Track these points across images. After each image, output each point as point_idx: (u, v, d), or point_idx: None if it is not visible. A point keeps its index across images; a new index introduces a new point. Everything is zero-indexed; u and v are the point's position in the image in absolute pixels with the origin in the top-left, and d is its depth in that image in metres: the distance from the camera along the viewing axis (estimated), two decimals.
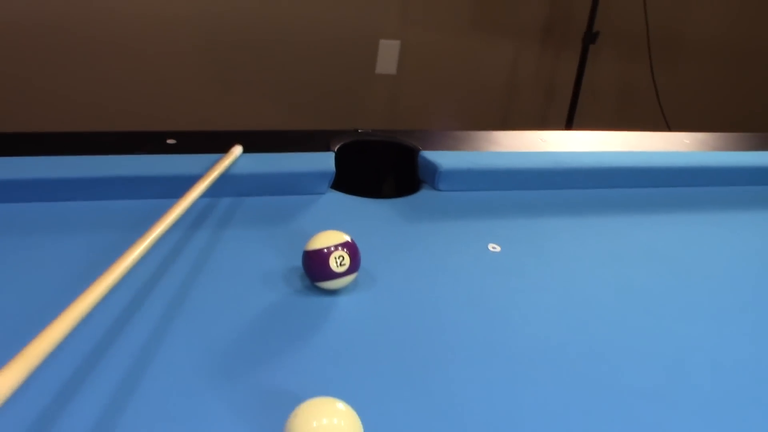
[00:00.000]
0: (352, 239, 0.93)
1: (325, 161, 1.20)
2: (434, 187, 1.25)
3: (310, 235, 0.94)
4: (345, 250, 0.91)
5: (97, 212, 1.06)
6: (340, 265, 0.91)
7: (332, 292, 0.93)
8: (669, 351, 0.90)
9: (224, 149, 1.15)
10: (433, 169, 1.25)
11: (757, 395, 0.84)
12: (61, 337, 0.60)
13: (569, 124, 3.38)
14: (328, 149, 1.25)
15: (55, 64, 3.02)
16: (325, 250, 0.91)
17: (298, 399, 0.68)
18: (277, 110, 3.36)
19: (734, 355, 0.91)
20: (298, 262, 0.98)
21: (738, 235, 1.23)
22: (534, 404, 0.78)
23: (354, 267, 0.92)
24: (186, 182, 1.04)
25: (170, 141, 1.19)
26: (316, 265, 0.91)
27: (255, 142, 1.22)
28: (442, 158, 1.26)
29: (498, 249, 1.09)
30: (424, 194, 1.25)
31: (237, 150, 1.15)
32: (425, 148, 1.29)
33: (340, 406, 0.67)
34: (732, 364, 0.89)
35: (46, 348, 0.58)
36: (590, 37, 3.24)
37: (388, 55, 3.51)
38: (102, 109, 3.13)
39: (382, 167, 1.33)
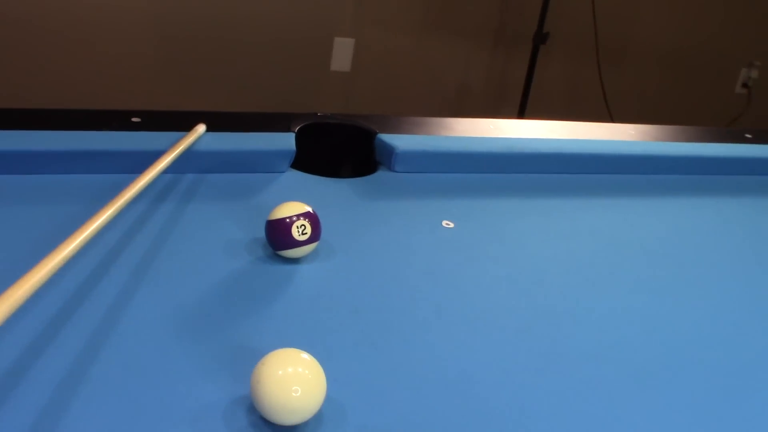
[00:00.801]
0: (313, 210, 0.97)
1: (285, 141, 1.24)
2: (391, 168, 1.30)
3: (271, 209, 0.98)
4: (307, 219, 0.95)
5: (61, 186, 1.08)
6: (302, 234, 0.95)
7: (294, 261, 0.97)
8: (609, 318, 0.96)
9: (187, 128, 1.18)
10: (389, 150, 1.29)
11: (686, 355, 0.90)
12: (25, 295, 0.61)
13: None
14: (288, 130, 1.28)
15: (23, 44, 3.00)
16: (288, 220, 0.95)
17: (262, 354, 0.71)
18: (232, 106, 3.38)
19: (668, 320, 0.97)
20: (260, 233, 1.02)
21: (675, 217, 1.30)
22: (484, 364, 0.83)
23: (315, 236, 0.96)
24: (150, 158, 1.06)
25: (135, 119, 1.22)
26: (278, 234, 0.95)
27: (218, 123, 1.25)
28: (398, 141, 1.31)
29: (451, 225, 1.14)
30: (380, 175, 1.29)
31: (200, 128, 1.19)
32: (382, 132, 1.34)
33: (305, 356, 0.71)
34: (666, 328, 0.95)
35: (11, 305, 0.59)
36: (540, 37, 3.32)
37: (342, 53, 3.55)
38: (63, 93, 3.11)
39: (340, 149, 1.37)
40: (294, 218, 0.95)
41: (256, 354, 0.75)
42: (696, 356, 0.90)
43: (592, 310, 0.97)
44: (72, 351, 0.75)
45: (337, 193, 1.20)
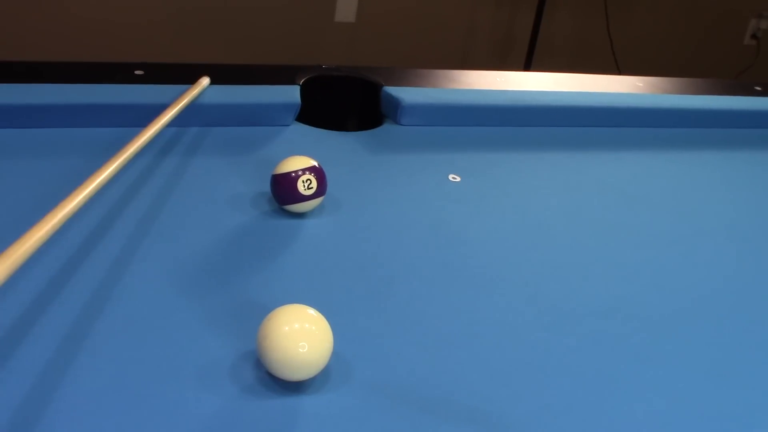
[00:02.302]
0: (319, 164, 0.97)
1: (290, 94, 1.23)
2: (397, 121, 1.29)
3: (276, 163, 0.97)
4: (312, 174, 0.95)
5: (65, 139, 1.07)
6: (308, 188, 0.94)
7: (300, 215, 0.97)
8: (617, 272, 0.96)
9: (191, 81, 1.17)
10: (395, 103, 1.28)
11: (695, 310, 0.89)
12: (29, 251, 0.61)
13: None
14: (293, 83, 1.27)
15: None
16: (293, 174, 0.94)
17: (268, 310, 0.71)
18: (234, 58, 3.35)
19: (676, 274, 0.97)
20: (266, 188, 1.01)
21: (683, 170, 1.29)
22: (491, 319, 0.83)
23: (321, 191, 0.96)
24: (154, 111, 1.05)
25: (138, 72, 1.20)
26: (284, 188, 0.95)
27: (222, 75, 1.23)
28: (404, 93, 1.29)
29: (458, 179, 1.13)
30: (387, 128, 1.28)
31: (204, 81, 1.17)
32: (388, 84, 1.32)
33: (311, 311, 0.70)
34: (674, 281, 0.95)
35: (16, 260, 0.59)
36: None
37: (346, 3, 3.50)
38: (66, 43, 3.08)
39: (345, 102, 1.36)
40: (299, 172, 0.94)
41: (263, 309, 0.75)
42: (705, 310, 0.90)
43: (599, 264, 0.97)
44: (76, 306, 0.75)
45: (342, 146, 1.19)
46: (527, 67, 3.41)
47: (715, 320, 0.88)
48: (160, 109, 1.03)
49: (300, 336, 0.68)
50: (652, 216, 1.11)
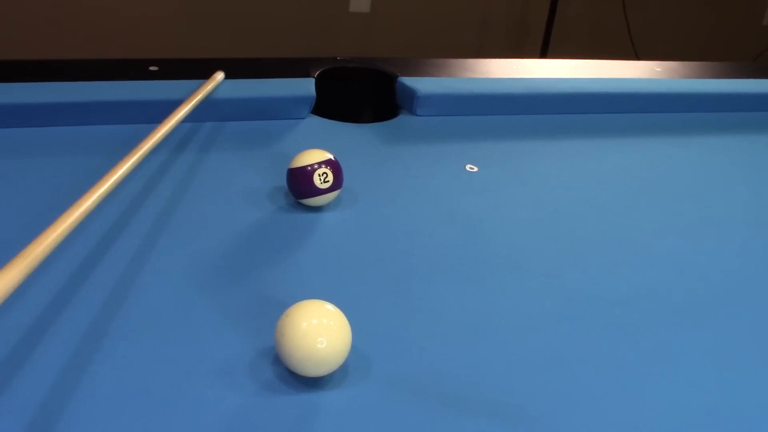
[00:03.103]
0: (335, 157, 0.96)
1: (305, 86, 1.22)
2: (412, 112, 1.28)
3: (292, 156, 0.97)
4: (328, 167, 0.94)
5: (82, 137, 1.07)
6: (324, 181, 0.94)
7: (316, 209, 0.96)
8: (638, 261, 0.94)
9: (206, 76, 1.17)
10: (411, 94, 1.27)
11: (722, 299, 0.88)
12: (48, 249, 0.61)
13: (542, 57, 3.40)
14: (308, 76, 1.26)
15: None
16: (309, 168, 0.94)
17: (286, 305, 0.71)
18: (249, 50, 3.34)
19: (698, 262, 0.95)
20: (282, 182, 1.01)
21: (703, 156, 1.27)
22: (510, 311, 0.82)
23: (337, 184, 0.95)
24: (169, 107, 1.05)
25: (153, 68, 1.20)
26: (300, 182, 0.94)
27: (236, 69, 1.23)
28: (419, 84, 1.28)
29: (475, 169, 1.12)
30: (402, 119, 1.27)
31: (219, 75, 1.17)
32: (403, 75, 1.31)
33: (329, 307, 0.70)
34: (696, 270, 0.94)
35: (35, 258, 0.59)
36: None
37: None
38: (81, 38, 3.09)
39: (360, 93, 1.35)
40: (315, 166, 0.94)
41: (280, 305, 0.75)
42: (732, 299, 0.89)
43: (621, 253, 0.96)
44: (94, 305, 0.75)
45: (358, 138, 1.18)
46: (543, 54, 3.39)
47: (742, 310, 0.87)
48: (175, 105, 1.02)
49: (318, 332, 0.67)
50: (673, 203, 1.10)
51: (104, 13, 3.08)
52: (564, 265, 0.92)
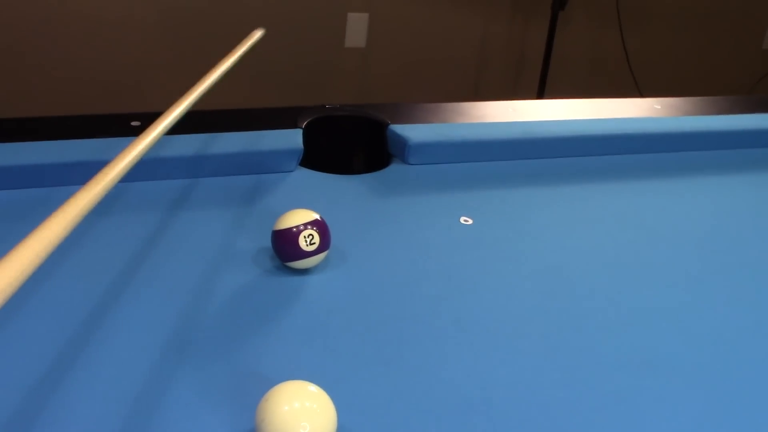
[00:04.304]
0: (321, 217, 0.92)
1: (292, 138, 1.18)
2: (404, 161, 1.24)
3: (279, 214, 0.93)
4: (314, 228, 0.90)
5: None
6: (310, 244, 0.89)
7: (303, 272, 0.92)
8: (645, 320, 0.90)
9: (191, 129, 1.13)
10: (402, 143, 1.23)
11: (731, 364, 0.83)
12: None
13: (541, 93, 3.37)
14: (295, 126, 1.22)
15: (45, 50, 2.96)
16: (294, 229, 0.89)
17: (270, 382, 0.67)
18: (244, 87, 3.32)
19: (710, 321, 0.90)
20: (268, 242, 0.97)
21: (709, 199, 1.23)
22: (507, 380, 0.78)
23: (324, 245, 0.91)
24: (152, 164, 1.01)
25: (135, 123, 1.16)
26: (285, 245, 0.90)
27: (220, 122, 1.19)
28: (411, 131, 1.24)
29: (470, 222, 1.08)
30: (394, 168, 1.23)
31: (258, 33, 1.17)
32: (394, 122, 1.28)
33: (312, 389, 0.66)
34: (708, 330, 0.89)
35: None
36: (559, 3, 3.22)
37: (356, 28, 3.47)
38: (64, 93, 3.07)
39: (351, 142, 1.31)
40: (301, 227, 0.90)
41: (263, 381, 0.71)
42: (746, 360, 0.84)
43: (623, 311, 0.91)
44: (63, 378, 0.70)
45: (348, 191, 1.14)
46: (542, 84, 3.36)
47: (755, 373, 0.82)
48: (160, 162, 0.99)
49: (301, 416, 0.63)
50: (678, 252, 1.05)
51: (83, 61, 3.05)
52: (563, 327, 0.87)
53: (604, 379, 0.79)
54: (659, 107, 1.50)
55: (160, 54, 3.17)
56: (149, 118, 1.16)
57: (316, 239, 0.90)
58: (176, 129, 1.12)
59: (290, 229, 0.90)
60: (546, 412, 0.73)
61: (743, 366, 0.83)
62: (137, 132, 1.13)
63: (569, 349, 0.83)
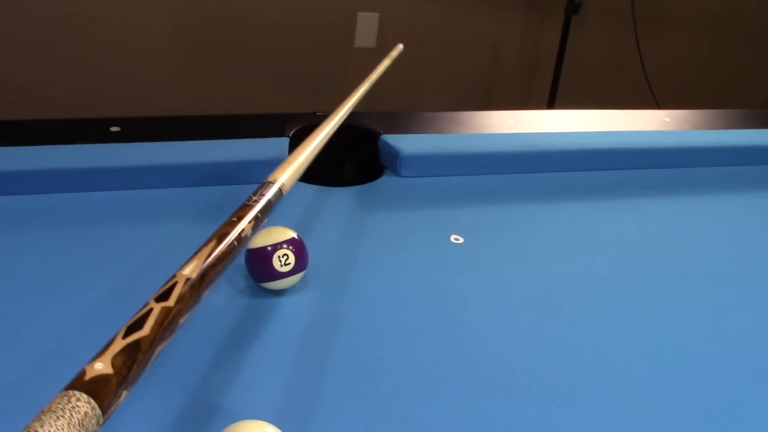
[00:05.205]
0: (298, 236, 0.87)
1: (278, 148, 1.13)
2: (396, 173, 1.18)
3: (260, 229, 0.87)
4: (290, 248, 0.85)
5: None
6: (285, 264, 0.84)
7: (278, 293, 0.87)
8: (643, 353, 0.84)
9: (172, 136, 1.08)
10: (394, 154, 1.17)
11: (735, 399, 0.77)
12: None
13: (552, 99, 3.30)
14: (282, 134, 1.17)
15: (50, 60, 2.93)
16: (269, 248, 0.84)
17: (233, 415, 0.62)
18: (254, 87, 3.28)
19: (713, 356, 0.84)
20: (243, 260, 0.92)
21: (717, 218, 1.17)
22: (486, 417, 0.72)
23: (300, 266, 0.86)
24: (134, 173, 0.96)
25: (114, 129, 1.12)
26: (258, 265, 0.85)
27: (204, 128, 1.14)
28: (404, 142, 1.19)
29: (461, 240, 1.02)
30: (385, 181, 1.17)
31: (399, 46, 1.23)
32: (388, 131, 1.22)
33: (270, 430, 0.60)
34: (709, 366, 0.83)
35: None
36: (572, 7, 3.16)
37: (366, 28, 3.42)
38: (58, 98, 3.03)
39: (341, 152, 1.25)
40: (276, 246, 0.84)
41: (226, 415, 0.66)
42: (750, 398, 0.77)
43: (617, 343, 0.85)
44: (9, 409, 0.66)
45: (335, 205, 1.09)
46: (554, 89, 3.29)
47: (761, 411, 0.76)
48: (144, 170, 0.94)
49: None
50: (682, 278, 0.99)
51: (71, 64, 3.00)
52: (552, 360, 0.81)
53: (593, 418, 0.73)
54: (669, 120, 1.44)
55: (165, 54, 3.13)
56: (128, 123, 1.12)
57: (291, 260, 0.84)
58: (158, 135, 1.08)
59: (265, 247, 0.84)
60: None
61: (750, 406, 0.77)
62: (117, 138, 1.09)
63: (555, 383, 0.77)
